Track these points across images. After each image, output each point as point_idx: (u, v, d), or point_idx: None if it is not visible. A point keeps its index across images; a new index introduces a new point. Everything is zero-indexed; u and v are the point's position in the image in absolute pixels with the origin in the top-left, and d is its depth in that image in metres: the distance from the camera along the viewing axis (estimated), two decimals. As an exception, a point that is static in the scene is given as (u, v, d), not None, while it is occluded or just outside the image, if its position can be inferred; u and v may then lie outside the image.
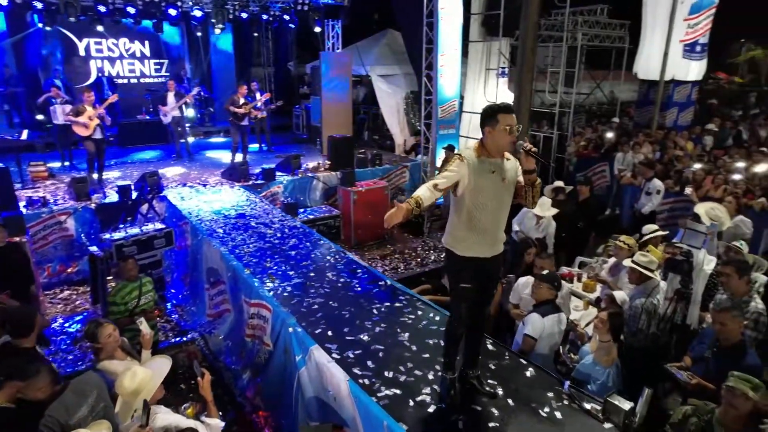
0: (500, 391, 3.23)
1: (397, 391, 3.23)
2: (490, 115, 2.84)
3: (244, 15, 11.43)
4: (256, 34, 14.28)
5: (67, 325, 6.04)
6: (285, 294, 4.57)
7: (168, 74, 13.05)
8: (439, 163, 10.22)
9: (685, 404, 3.22)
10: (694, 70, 15.19)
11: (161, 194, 7.71)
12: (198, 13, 11.00)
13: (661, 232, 5.55)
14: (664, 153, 9.76)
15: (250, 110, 9.86)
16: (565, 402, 3.14)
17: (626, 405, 2.90)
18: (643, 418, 2.91)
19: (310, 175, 9.28)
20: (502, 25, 9.92)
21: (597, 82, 13.45)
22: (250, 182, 8.59)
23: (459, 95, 10.10)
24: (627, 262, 4.22)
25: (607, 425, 2.92)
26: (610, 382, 3.54)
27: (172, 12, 10.64)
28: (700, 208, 6.04)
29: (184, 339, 5.60)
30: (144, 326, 3.74)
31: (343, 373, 3.37)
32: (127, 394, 2.78)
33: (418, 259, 8.64)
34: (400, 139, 13.07)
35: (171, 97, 9.96)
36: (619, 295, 4.17)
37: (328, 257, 5.46)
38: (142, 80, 13.18)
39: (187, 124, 10.92)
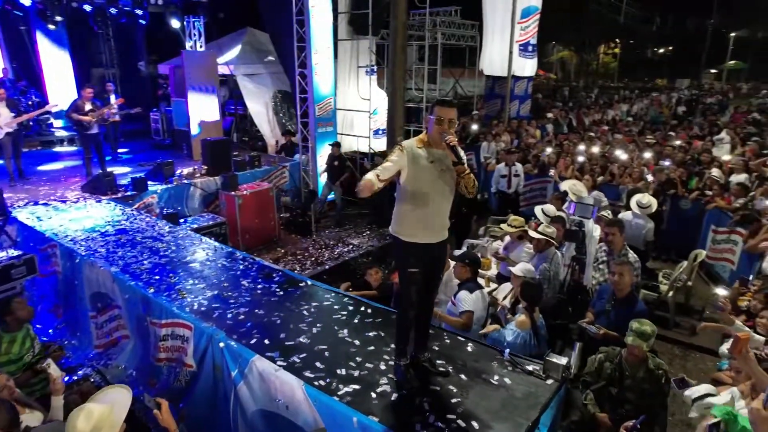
0: (450, 369, 3.40)
1: (356, 386, 3.22)
2: (432, 106, 3.03)
3: (87, 7, 10.09)
4: (100, 31, 12.69)
5: None
6: (203, 309, 4.23)
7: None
8: (320, 162, 10.22)
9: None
10: (529, 67, 17.26)
11: (8, 217, 6.56)
12: (27, 2, 9.42)
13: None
14: (521, 141, 11.00)
15: (100, 117, 8.77)
16: (509, 368, 3.42)
17: (563, 360, 3.27)
18: (577, 368, 3.30)
19: (186, 182, 8.62)
20: (370, 24, 10.22)
21: (456, 79, 14.53)
22: (119, 194, 7.71)
23: (334, 93, 10.17)
24: (533, 233, 4.71)
25: (549, 381, 3.27)
26: (518, 341, 3.93)
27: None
28: (565, 185, 6.95)
29: (74, 378, 4.86)
30: (53, 369, 3.19)
31: (296, 379, 3.27)
32: None
33: (312, 259, 8.56)
34: (271, 140, 12.74)
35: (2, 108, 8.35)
36: (524, 267, 4.64)
37: (237, 264, 5.17)
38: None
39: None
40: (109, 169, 8.56)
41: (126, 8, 11.16)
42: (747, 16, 38.29)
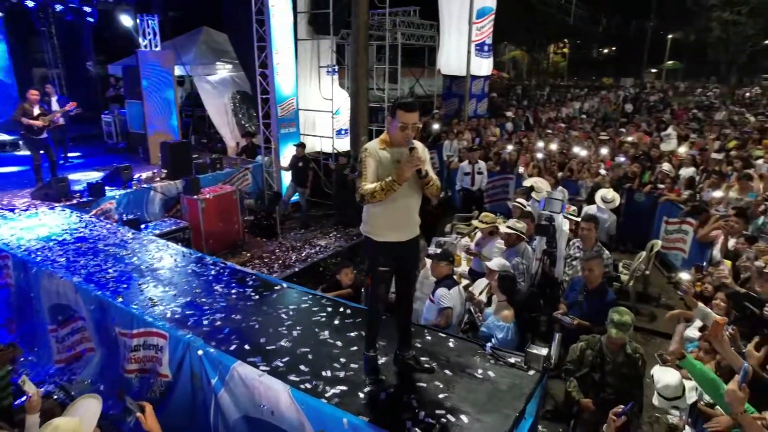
0: (435, 365, 3.44)
1: (343, 387, 3.21)
2: (393, 109, 2.99)
3: (29, 3, 9.52)
4: (43, 29, 12.02)
5: None
6: (177, 317, 4.10)
7: None
8: (284, 163, 10.09)
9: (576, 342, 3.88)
10: (485, 66, 17.62)
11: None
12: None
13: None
14: (482, 139, 11.22)
15: (51, 120, 8.34)
16: (492, 362, 3.49)
17: (543, 351, 3.36)
18: (557, 358, 3.41)
19: (145, 186, 8.31)
20: (332, 23, 10.15)
21: (416, 78, 14.65)
22: (74, 201, 7.36)
23: (296, 93, 10.06)
24: (503, 229, 4.82)
25: (531, 372, 3.36)
26: (509, 336, 4.05)
27: None
28: (529, 182, 7.14)
29: (36, 395, 4.60)
30: (29, 386, 3.01)
31: (281, 383, 3.22)
32: None
33: (279, 261, 8.45)
34: (231, 142, 12.47)
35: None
36: (498, 262, 4.74)
37: (208, 269, 5.04)
38: None
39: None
40: (63, 175, 8.16)
41: (72, 5, 10.64)
42: (681, 20, 40.54)
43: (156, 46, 10.07)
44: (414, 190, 3.08)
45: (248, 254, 8.66)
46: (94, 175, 8.80)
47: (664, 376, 3.55)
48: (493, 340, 4.03)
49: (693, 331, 4.12)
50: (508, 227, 4.70)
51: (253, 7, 9.08)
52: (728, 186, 7.17)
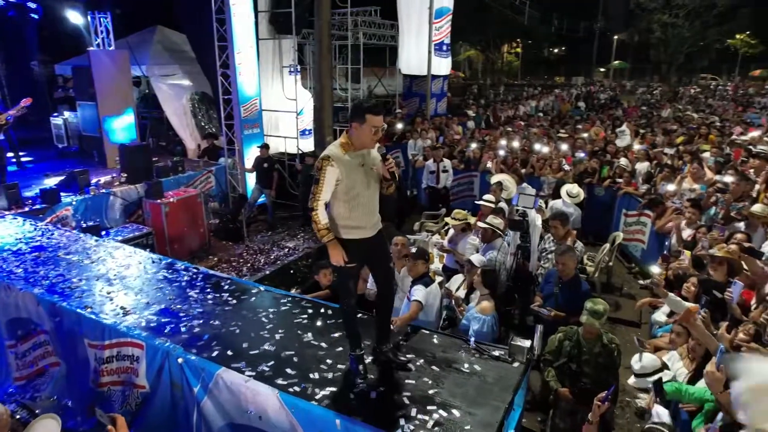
0: (422, 362, 3.46)
1: (332, 389, 3.18)
2: (360, 112, 2.97)
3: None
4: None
5: None
6: (152, 325, 3.96)
7: None
8: (248, 165, 9.89)
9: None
10: (444, 66, 17.87)
11: None
12: None
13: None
14: (445, 137, 11.36)
15: (5, 120, 7.90)
16: (476, 355, 3.55)
17: (526, 343, 3.45)
18: (540, 349, 3.50)
19: (104, 191, 7.97)
20: (294, 23, 10.03)
21: (378, 78, 14.68)
22: (27, 208, 6.98)
23: (259, 93, 9.88)
24: (481, 224, 4.90)
25: (516, 364, 3.44)
26: (485, 328, 4.14)
27: None
28: (496, 179, 7.30)
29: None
30: (-3, 405, 2.83)
31: (269, 388, 3.17)
32: None
33: (248, 265, 8.29)
34: (191, 144, 12.10)
35: None
36: (479, 258, 4.82)
37: (180, 275, 4.88)
38: None
39: None
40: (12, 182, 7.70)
41: (14, 1, 10.06)
42: (626, 21, 42.46)
43: (110, 45, 9.67)
44: (374, 186, 3.14)
45: (215, 258, 8.46)
46: (48, 182, 8.36)
47: (643, 358, 3.71)
48: (470, 332, 4.12)
49: (661, 317, 4.32)
50: (487, 223, 4.79)
51: (213, 6, 8.85)
52: (682, 177, 7.56)
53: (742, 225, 5.87)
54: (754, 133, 11.70)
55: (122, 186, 8.26)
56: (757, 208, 5.79)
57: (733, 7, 34.78)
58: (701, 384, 3.22)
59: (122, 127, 10.03)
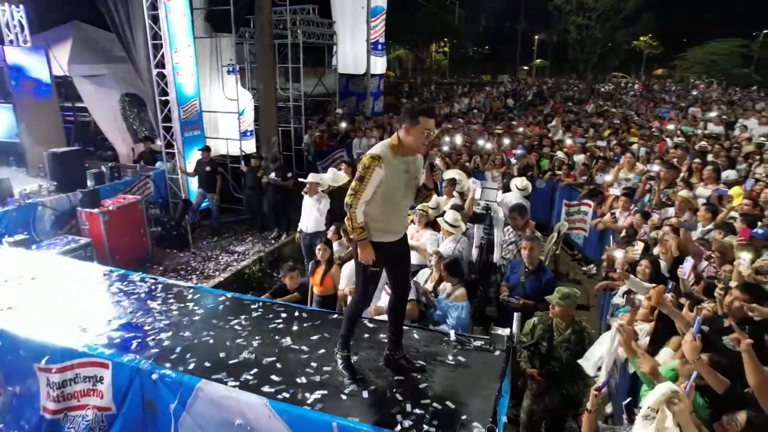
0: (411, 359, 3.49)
1: (323, 392, 3.13)
2: (414, 114, 2.91)
3: None
4: None
5: None
6: (116, 341, 3.70)
7: None
8: (189, 168, 9.46)
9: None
10: (380, 65, 18.03)
11: None
12: None
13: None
14: (389, 135, 11.45)
15: None
16: (458, 347, 3.62)
17: (506, 332, 3.57)
18: (518, 336, 3.63)
19: (31, 201, 7.33)
20: (233, 20, 9.69)
21: (319, 77, 14.51)
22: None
23: (198, 94, 9.48)
24: (442, 222, 5.00)
25: (497, 352, 3.54)
26: (464, 314, 4.24)
27: None
28: (449, 174, 7.45)
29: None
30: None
31: (257, 397, 3.07)
32: None
33: (197, 273, 7.95)
34: (123, 148, 11.37)
35: None
36: (444, 251, 4.89)
37: (137, 287, 4.60)
38: None
39: None
40: None
41: None
42: (545, 22, 44.77)
43: (25, 41, 8.89)
44: (410, 196, 3.15)
45: (160, 268, 8.03)
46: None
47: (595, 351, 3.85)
48: (448, 320, 4.20)
49: (618, 299, 4.61)
50: (447, 223, 4.89)
51: (144, 2, 8.37)
52: (619, 168, 8.10)
53: (672, 210, 6.39)
54: (670, 126, 12.76)
55: (51, 195, 7.63)
56: (683, 193, 6.31)
57: (638, 12, 37.66)
58: (664, 356, 3.48)
59: (44, 131, 9.23)
